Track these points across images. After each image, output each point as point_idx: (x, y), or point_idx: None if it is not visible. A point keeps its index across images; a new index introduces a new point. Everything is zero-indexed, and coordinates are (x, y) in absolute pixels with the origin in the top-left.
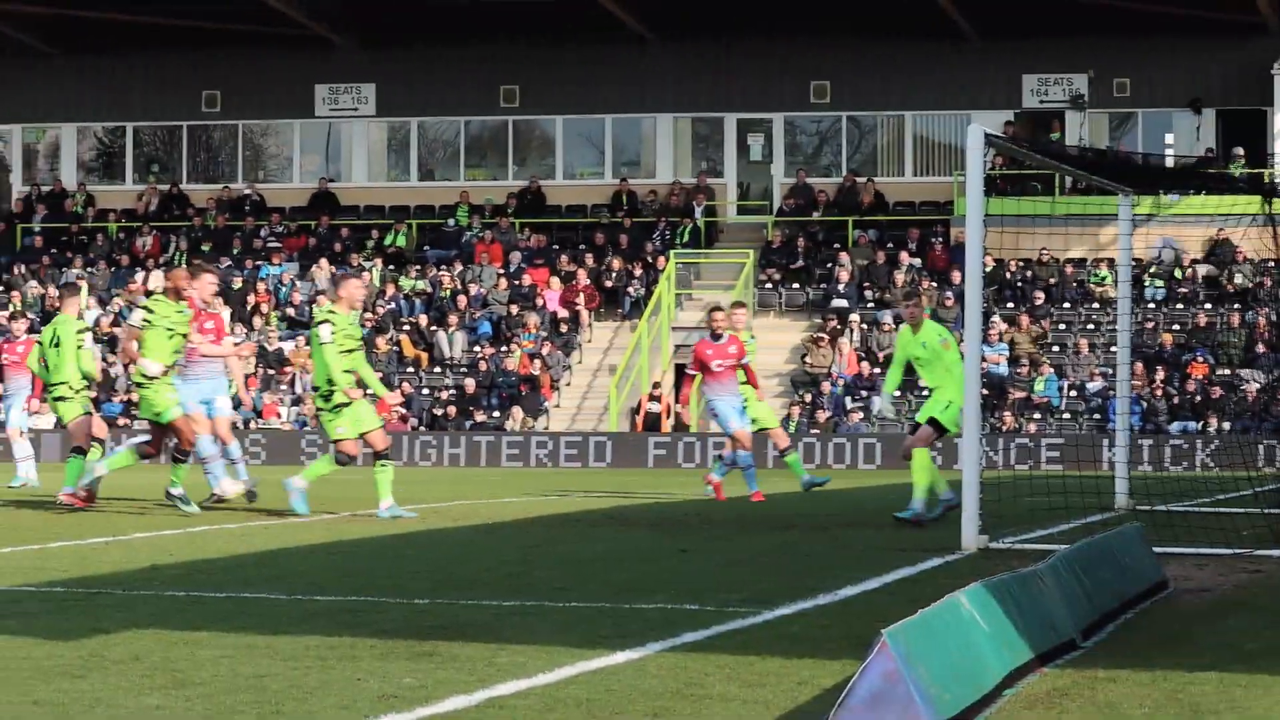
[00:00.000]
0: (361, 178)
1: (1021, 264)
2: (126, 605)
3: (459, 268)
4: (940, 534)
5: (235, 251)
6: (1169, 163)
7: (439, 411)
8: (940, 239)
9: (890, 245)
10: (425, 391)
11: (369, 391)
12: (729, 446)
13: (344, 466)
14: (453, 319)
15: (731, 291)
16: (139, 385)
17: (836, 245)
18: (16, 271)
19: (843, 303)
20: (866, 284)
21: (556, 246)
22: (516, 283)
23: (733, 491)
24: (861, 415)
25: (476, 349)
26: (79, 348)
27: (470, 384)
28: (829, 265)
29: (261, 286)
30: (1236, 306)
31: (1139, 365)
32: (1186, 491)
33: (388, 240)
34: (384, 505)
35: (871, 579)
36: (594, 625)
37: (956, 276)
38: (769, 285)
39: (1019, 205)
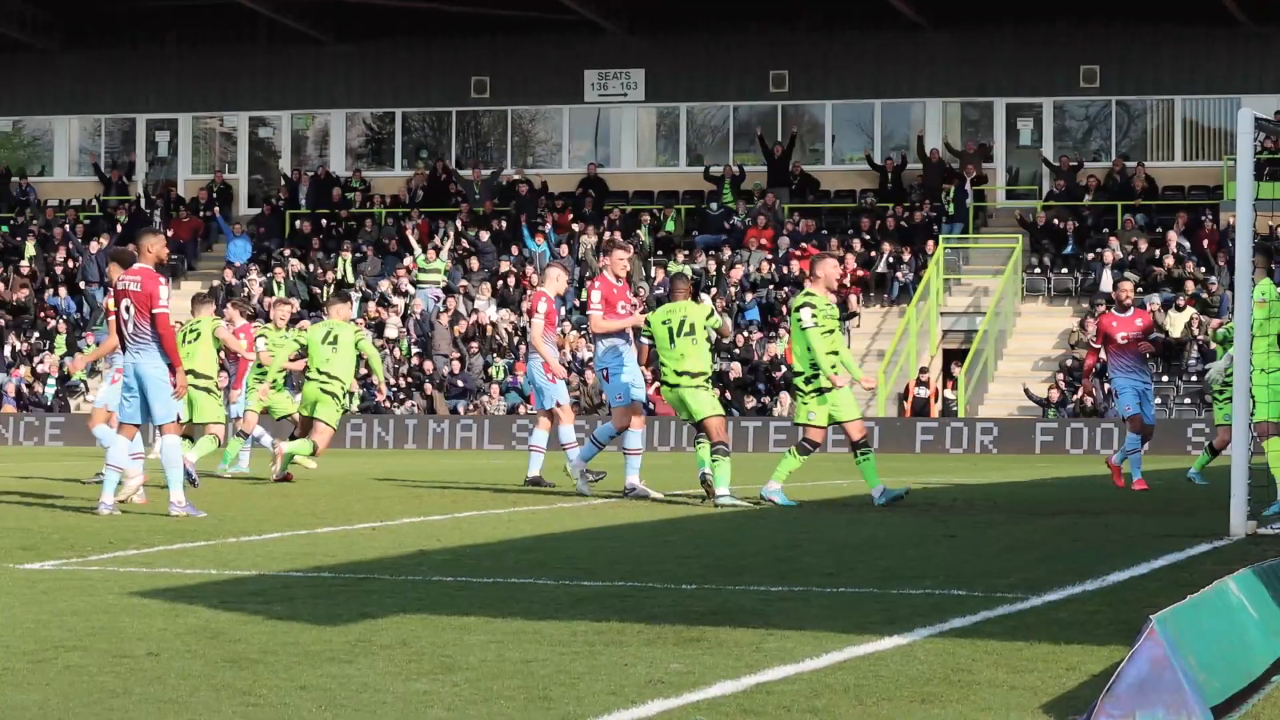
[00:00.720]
0: (630, 163)
1: None
2: (394, 591)
3: (727, 253)
4: (1208, 520)
5: (500, 232)
6: None
7: None
8: (1211, 223)
9: (1159, 230)
10: None
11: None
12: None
13: (808, 456)
14: (719, 303)
15: (1000, 277)
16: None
17: (1106, 230)
18: (287, 254)
19: (1110, 287)
20: (1133, 268)
21: (825, 231)
22: (784, 269)
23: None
24: None
25: (744, 333)
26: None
27: (736, 368)
28: (1097, 250)
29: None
30: None
31: None
32: None
33: (656, 224)
34: (876, 491)
35: (1139, 565)
36: (861, 611)
37: (1215, 286)
38: (1037, 270)
39: None
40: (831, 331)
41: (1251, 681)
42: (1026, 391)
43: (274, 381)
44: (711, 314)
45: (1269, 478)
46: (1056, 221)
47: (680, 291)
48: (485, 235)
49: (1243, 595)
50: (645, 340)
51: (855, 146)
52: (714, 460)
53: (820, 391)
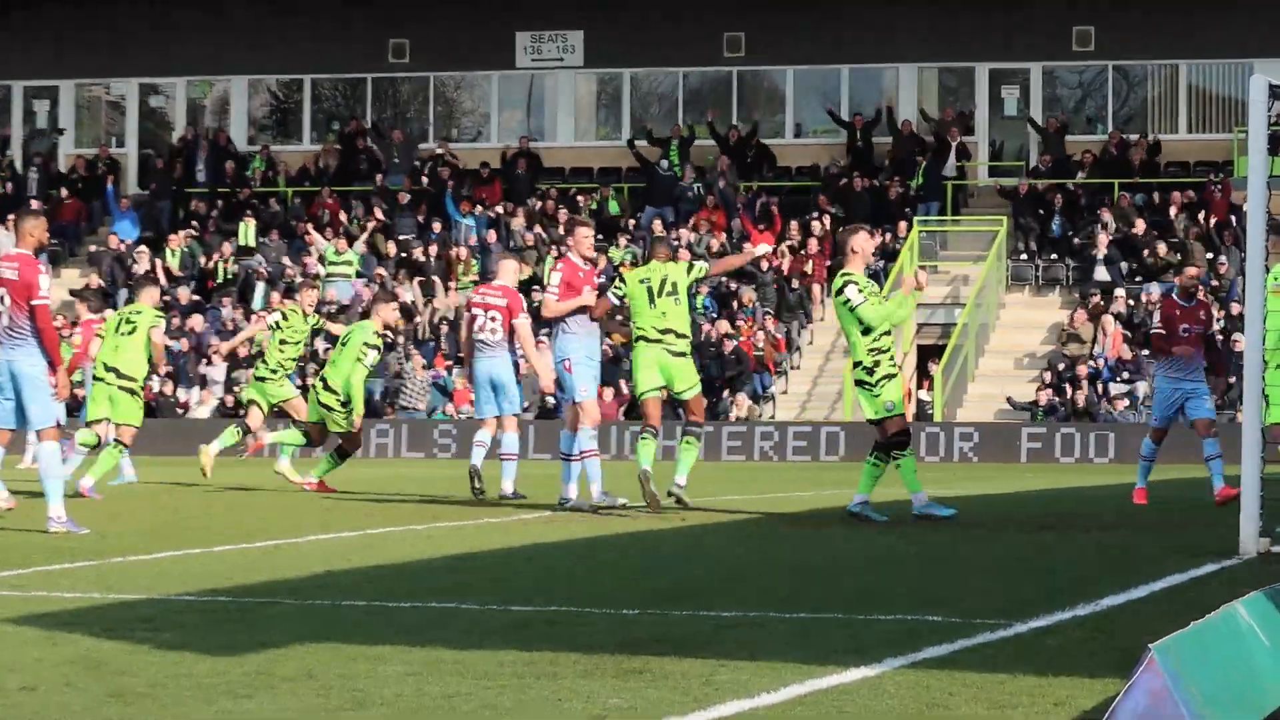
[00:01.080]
0: (567, 136)
1: None
2: (299, 616)
3: (683, 235)
4: (1214, 537)
5: (421, 218)
6: None
7: None
8: (1220, 197)
9: (1159, 211)
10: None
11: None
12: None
13: (909, 449)
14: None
15: (982, 264)
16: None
17: (1101, 211)
18: (182, 234)
19: (1105, 275)
20: (1127, 252)
21: (781, 211)
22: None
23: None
24: (1127, 403)
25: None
26: (358, 360)
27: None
28: (1089, 234)
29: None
30: None
31: None
32: None
33: (595, 205)
34: (859, 498)
35: (1137, 587)
36: (824, 639)
37: (1225, 268)
38: (1024, 257)
39: None
40: None
41: (1264, 718)
42: (1010, 401)
43: (274, 370)
44: (692, 266)
45: None
46: (1041, 185)
47: (660, 253)
48: (405, 197)
49: (1253, 621)
50: (613, 297)
51: (819, 118)
52: (685, 442)
53: (890, 377)
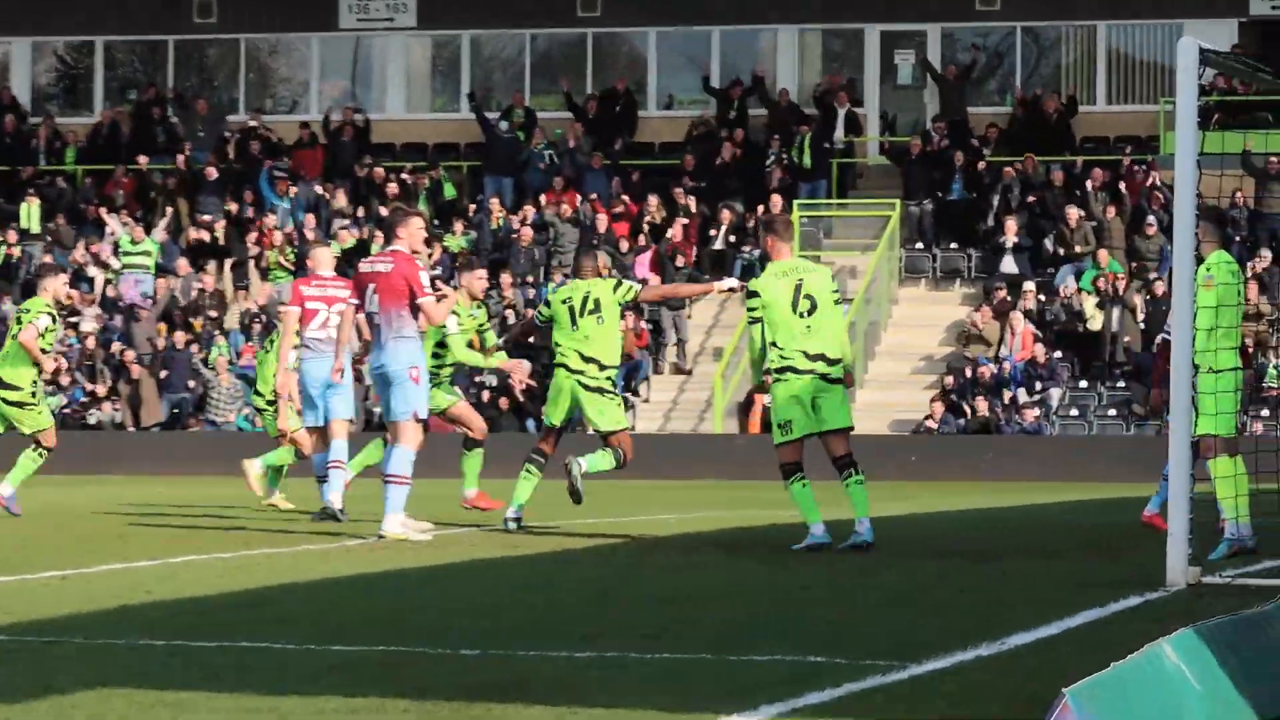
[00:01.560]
0: (398, 107)
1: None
2: (89, 657)
3: (527, 213)
4: (1138, 565)
5: (231, 203)
6: None
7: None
8: (1143, 176)
9: (1078, 191)
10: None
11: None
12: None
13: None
14: (508, 281)
15: (871, 254)
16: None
17: (1006, 171)
18: None
19: (1013, 267)
20: (1036, 233)
21: (644, 190)
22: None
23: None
24: (1038, 413)
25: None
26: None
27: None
28: (992, 208)
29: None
30: None
31: None
32: None
33: (429, 185)
34: (868, 524)
35: (1048, 624)
36: (692, 682)
37: (1154, 229)
38: (919, 246)
39: (1243, 141)
40: None
41: None
42: (924, 426)
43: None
44: (620, 284)
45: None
46: (937, 145)
47: (587, 269)
48: (212, 174)
49: (1181, 662)
50: (537, 319)
51: (688, 87)
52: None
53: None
